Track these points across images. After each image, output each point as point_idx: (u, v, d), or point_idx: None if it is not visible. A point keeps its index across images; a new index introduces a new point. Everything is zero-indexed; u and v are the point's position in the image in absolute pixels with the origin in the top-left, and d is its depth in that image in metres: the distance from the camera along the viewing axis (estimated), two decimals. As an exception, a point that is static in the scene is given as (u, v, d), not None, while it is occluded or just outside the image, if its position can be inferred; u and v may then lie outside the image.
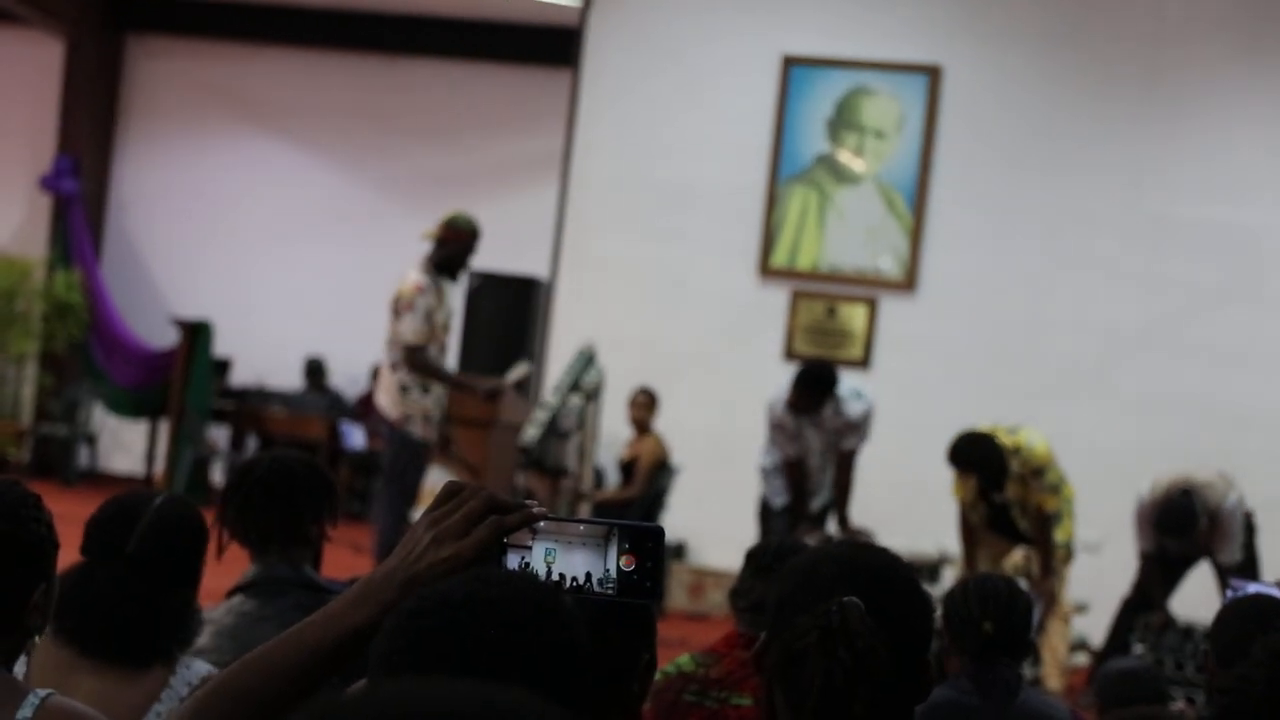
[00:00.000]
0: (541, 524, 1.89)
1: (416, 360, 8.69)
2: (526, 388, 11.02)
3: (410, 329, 8.64)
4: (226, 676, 1.90)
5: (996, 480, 8.65)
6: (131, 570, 3.35)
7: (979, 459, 8.59)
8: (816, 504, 9.59)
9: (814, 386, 9.10)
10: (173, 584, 3.40)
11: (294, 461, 4.17)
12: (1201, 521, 8.75)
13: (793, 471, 9.41)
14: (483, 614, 1.69)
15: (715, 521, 11.20)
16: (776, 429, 9.34)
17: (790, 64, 12.00)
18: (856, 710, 2.14)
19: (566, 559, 1.90)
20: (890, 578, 2.29)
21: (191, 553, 3.48)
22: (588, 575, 1.90)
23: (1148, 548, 9.07)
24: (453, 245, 8.82)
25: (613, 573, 1.90)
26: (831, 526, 9.51)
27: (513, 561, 1.89)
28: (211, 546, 3.91)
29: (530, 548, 1.89)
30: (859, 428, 9.33)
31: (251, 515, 4.03)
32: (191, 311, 14.81)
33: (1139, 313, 11.49)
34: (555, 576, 1.89)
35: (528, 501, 1.90)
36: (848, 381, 9.45)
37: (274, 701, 1.86)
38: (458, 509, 1.88)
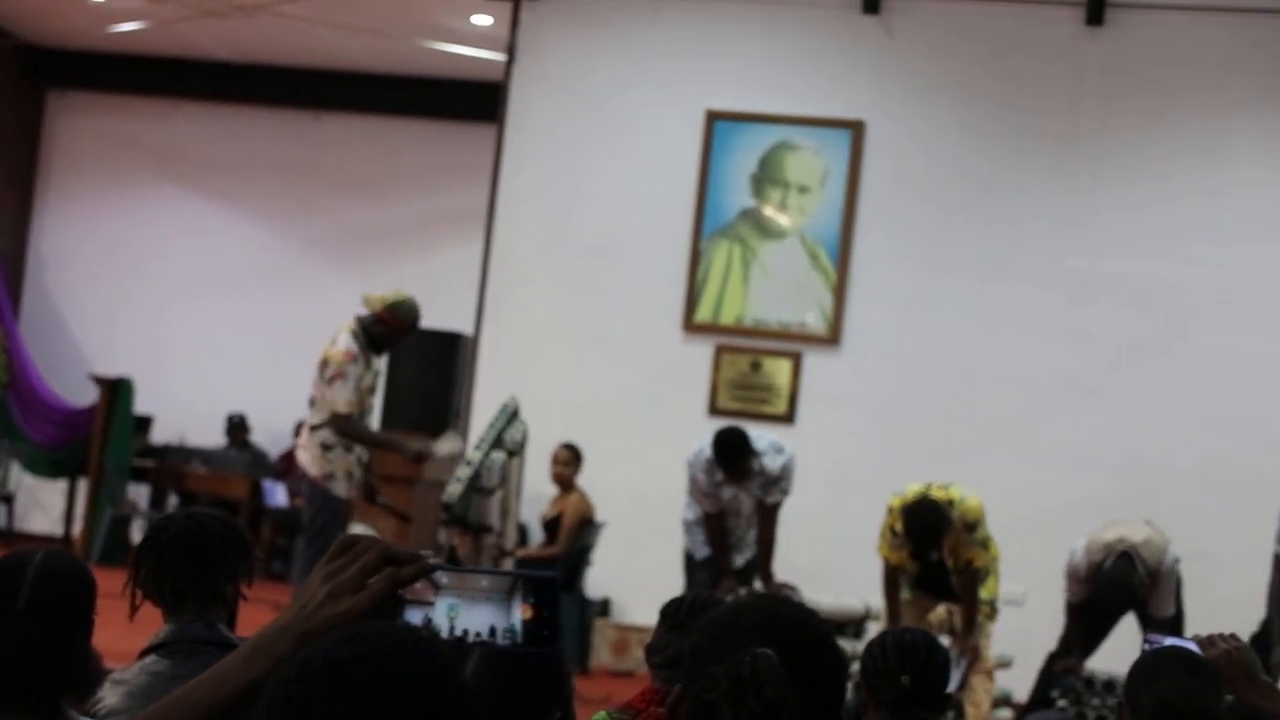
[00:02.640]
0: (444, 580, 1.86)
1: (347, 428, 8.64)
2: (450, 460, 10.96)
3: (342, 398, 8.59)
4: None
5: (938, 541, 8.67)
6: (24, 626, 3.30)
7: (941, 528, 8.58)
8: (740, 560, 9.58)
9: (733, 454, 9.13)
10: (67, 636, 3.35)
11: (208, 519, 4.13)
12: (1141, 579, 8.78)
13: (712, 525, 9.41)
14: (365, 675, 1.66)
15: (640, 578, 11.18)
16: (694, 485, 9.36)
17: (714, 119, 12.05)
18: (766, 761, 2.13)
19: (470, 614, 1.87)
20: (804, 632, 2.30)
21: (82, 604, 3.44)
22: (491, 629, 1.88)
23: (1076, 600, 9.10)
24: (386, 329, 8.77)
25: (516, 625, 1.88)
26: (756, 583, 9.49)
27: (415, 618, 1.86)
28: (125, 606, 3.87)
29: (433, 604, 1.87)
30: (780, 481, 9.34)
31: (165, 574, 3.98)
32: (112, 369, 14.68)
33: (1062, 365, 11.55)
34: (459, 632, 1.87)
35: (423, 552, 1.88)
36: (766, 436, 9.46)
37: None
38: (353, 562, 1.86)
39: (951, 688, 8.59)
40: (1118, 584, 8.72)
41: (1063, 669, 8.96)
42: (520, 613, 1.88)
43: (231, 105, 16.15)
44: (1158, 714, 1.51)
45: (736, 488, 9.27)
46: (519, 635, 1.87)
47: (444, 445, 9.78)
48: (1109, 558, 8.77)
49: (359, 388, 8.63)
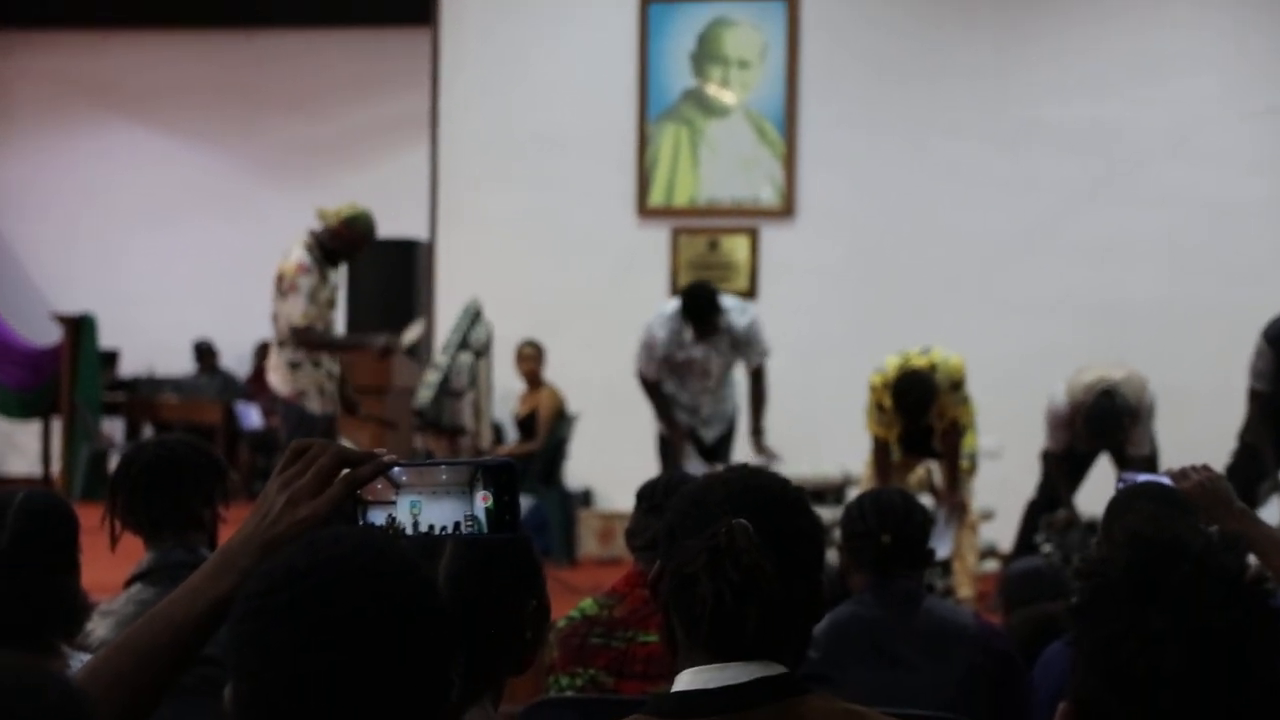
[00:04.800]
0: (404, 478, 1.87)
1: (305, 339, 8.61)
2: (419, 349, 10.95)
3: (298, 310, 8.53)
4: (97, 663, 1.88)
5: (929, 410, 8.71)
6: (6, 566, 3.31)
7: (930, 398, 8.61)
8: (711, 435, 9.57)
9: (704, 307, 9.03)
10: (50, 573, 3.36)
11: (178, 445, 4.15)
12: (1125, 420, 8.81)
13: (655, 393, 9.34)
14: (330, 579, 1.68)
15: (618, 465, 11.19)
16: (648, 348, 9.22)
17: (648, 1, 11.96)
18: (748, 629, 2.16)
19: (433, 509, 1.88)
20: (778, 500, 2.31)
21: (65, 540, 3.44)
22: (455, 523, 1.89)
23: (1056, 447, 9.14)
24: (344, 242, 8.70)
25: (479, 515, 1.89)
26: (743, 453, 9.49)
27: (378, 518, 1.87)
28: (105, 538, 3.89)
29: (395, 503, 1.88)
30: (754, 343, 9.28)
31: (141, 503, 4.01)
32: (72, 306, 14.58)
33: (1015, 217, 11.56)
34: (424, 528, 1.88)
35: (375, 451, 1.89)
36: (730, 297, 9.43)
37: (147, 684, 1.85)
38: (308, 467, 1.87)
39: (944, 552, 8.72)
40: (1104, 418, 8.72)
41: (1064, 522, 9.00)
42: (482, 501, 1.89)
43: (162, 31, 15.98)
44: (1128, 544, 1.53)
45: (707, 346, 9.20)
46: (483, 525, 1.89)
47: (410, 334, 9.72)
48: (1091, 397, 8.79)
49: (315, 300, 8.59)
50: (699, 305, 9.03)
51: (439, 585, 1.72)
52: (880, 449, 8.94)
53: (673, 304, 9.27)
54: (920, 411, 8.68)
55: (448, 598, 2.31)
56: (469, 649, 2.36)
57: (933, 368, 8.70)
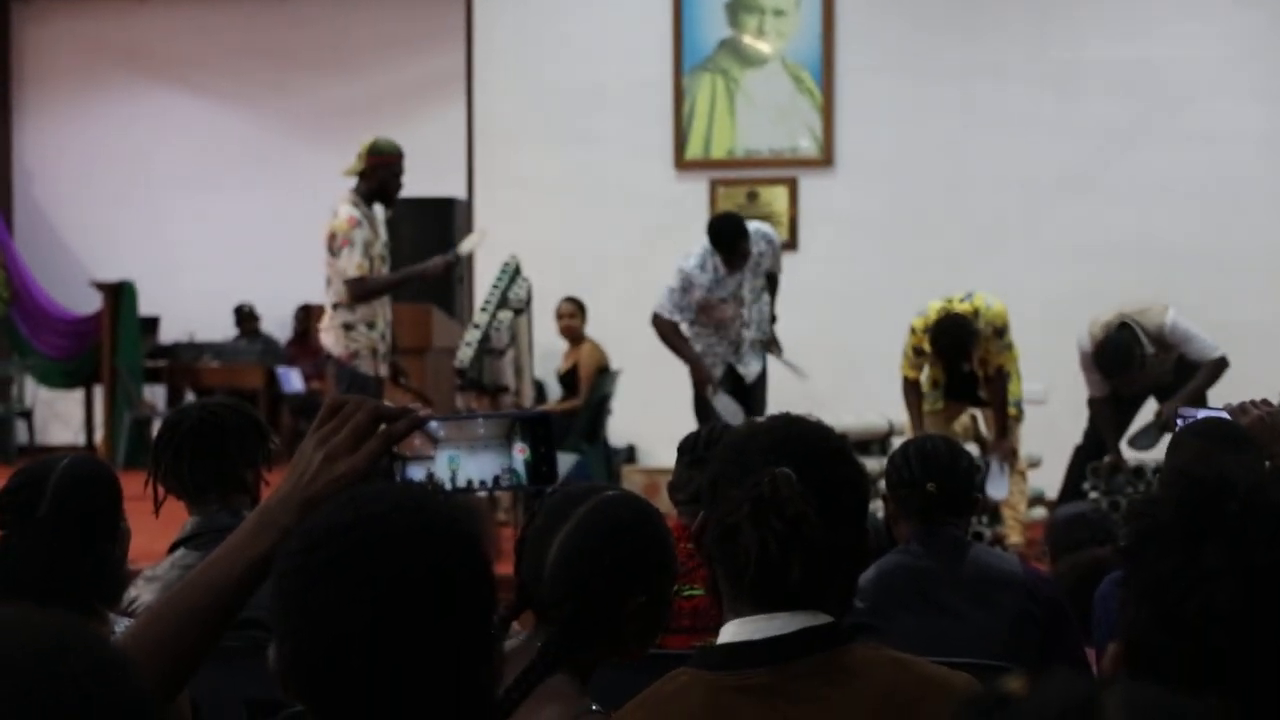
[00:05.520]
0: (442, 433, 1.86)
1: (360, 291, 8.56)
2: (468, 260, 10.79)
3: (352, 263, 8.51)
4: (138, 627, 1.87)
5: (968, 354, 8.68)
6: (47, 532, 3.31)
7: (968, 341, 8.58)
8: (751, 373, 9.47)
9: (735, 233, 9.01)
10: (90, 540, 3.36)
11: (220, 408, 4.15)
12: (1146, 350, 8.72)
13: (671, 334, 9.30)
14: (370, 536, 1.67)
15: (662, 421, 11.14)
16: (684, 293, 9.17)
17: (681, -48, 11.90)
18: (793, 577, 2.14)
19: (471, 463, 1.87)
20: (820, 448, 2.30)
21: (105, 508, 3.45)
22: (495, 478, 1.88)
23: (1096, 393, 9.08)
24: (381, 172, 8.66)
25: (518, 467, 1.88)
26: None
27: (417, 473, 1.86)
28: (149, 505, 3.89)
29: (434, 458, 1.86)
30: (776, 255, 9.31)
31: (184, 467, 4.02)
32: (112, 274, 14.63)
33: (1057, 161, 11.48)
34: (462, 483, 1.87)
35: (411, 406, 1.88)
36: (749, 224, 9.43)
37: (189, 648, 1.84)
38: (344, 424, 1.85)
39: (1000, 494, 8.69)
40: (1117, 350, 8.66)
41: (1111, 467, 8.95)
42: (520, 454, 1.88)
43: (196, -4, 16.00)
44: (1176, 483, 1.51)
45: (738, 274, 9.18)
46: (522, 477, 1.88)
47: (465, 244, 9.62)
48: (1109, 333, 8.74)
49: (368, 253, 8.57)
50: (731, 235, 9.01)
51: (480, 543, 1.71)
52: (909, 387, 8.92)
53: (698, 247, 9.22)
54: (958, 355, 8.65)
55: (554, 574, 2.33)
56: (560, 626, 2.37)
57: (975, 313, 8.66)
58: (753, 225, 9.26)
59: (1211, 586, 1.47)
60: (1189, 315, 8.96)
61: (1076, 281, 11.03)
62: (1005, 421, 8.95)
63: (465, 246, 9.56)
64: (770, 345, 9.50)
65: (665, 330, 9.27)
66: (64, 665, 1.22)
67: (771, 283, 9.50)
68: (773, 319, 9.52)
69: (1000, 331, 8.77)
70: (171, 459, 4.02)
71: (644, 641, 2.51)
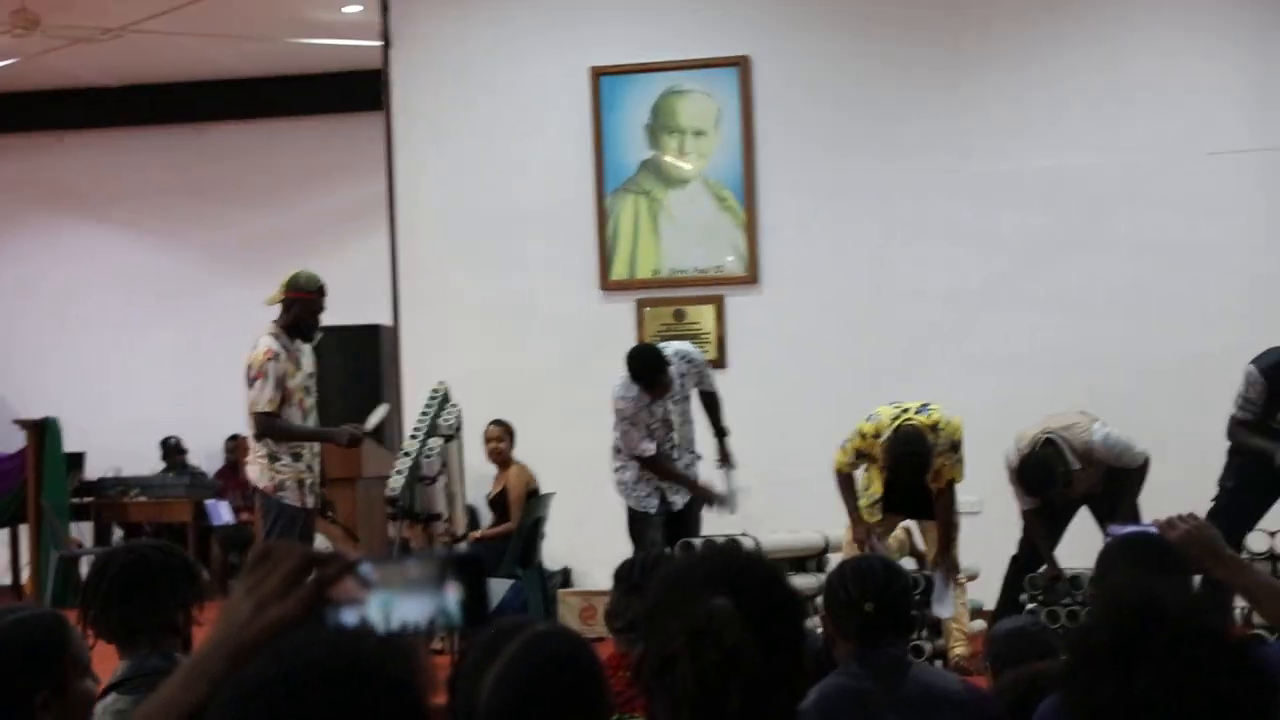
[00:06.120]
0: (374, 576, 1.83)
1: (269, 427, 8.55)
2: (382, 432, 10.88)
3: (264, 397, 8.50)
4: None
5: (926, 468, 8.70)
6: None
7: (929, 456, 8.61)
8: (681, 501, 9.50)
9: (653, 366, 9.11)
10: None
11: (148, 550, 4.13)
12: (1071, 466, 8.76)
13: (662, 465, 9.36)
14: (304, 686, 1.64)
15: (596, 542, 11.12)
16: (631, 425, 9.26)
17: (599, 75, 11.98)
18: (732, 708, 2.13)
19: (405, 605, 1.84)
20: (755, 577, 2.31)
21: (34, 670, 3.36)
22: (429, 620, 1.86)
23: (1025, 506, 9.09)
24: (296, 307, 8.69)
25: (451, 609, 1.86)
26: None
27: (350, 618, 1.83)
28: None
29: (366, 602, 1.84)
30: (702, 375, 9.43)
31: (114, 611, 3.98)
32: (38, 411, 14.50)
33: (980, 272, 11.56)
34: (395, 626, 1.84)
35: (341, 551, 1.86)
36: (666, 349, 9.46)
37: None
38: (273, 570, 1.83)
39: (948, 613, 8.67)
40: (1040, 468, 8.72)
41: (1049, 579, 8.95)
42: (453, 595, 1.85)
43: (114, 130, 15.98)
44: (1108, 608, 1.52)
45: (662, 401, 9.25)
46: (456, 618, 1.85)
47: (373, 418, 9.65)
48: (1034, 449, 8.80)
49: (282, 385, 8.55)
50: (648, 368, 9.09)
51: (415, 688, 1.68)
52: (845, 481, 8.95)
53: (621, 376, 9.28)
54: (916, 470, 8.65)
55: (488, 709, 2.29)
56: None
57: (934, 427, 8.69)
58: (671, 347, 9.33)
59: (1145, 715, 1.48)
60: (1112, 422, 9.02)
61: (1006, 392, 11.05)
62: (952, 535, 8.96)
63: (373, 420, 9.59)
64: (723, 460, 9.55)
65: (653, 465, 9.32)
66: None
67: (711, 400, 9.53)
68: (723, 433, 9.56)
69: (956, 446, 8.80)
70: (101, 603, 3.98)
71: None
